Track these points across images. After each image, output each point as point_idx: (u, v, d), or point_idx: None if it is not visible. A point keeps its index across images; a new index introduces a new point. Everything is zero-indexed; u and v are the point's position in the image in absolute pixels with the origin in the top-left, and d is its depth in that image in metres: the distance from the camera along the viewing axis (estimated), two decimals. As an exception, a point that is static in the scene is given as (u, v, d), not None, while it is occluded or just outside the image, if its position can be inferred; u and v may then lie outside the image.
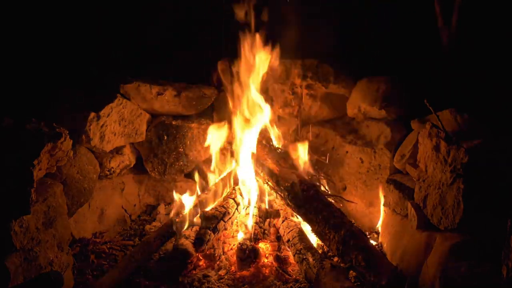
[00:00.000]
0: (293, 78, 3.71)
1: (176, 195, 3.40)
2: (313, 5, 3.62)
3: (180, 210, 3.29)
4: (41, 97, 2.95)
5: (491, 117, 2.52)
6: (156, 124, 3.63)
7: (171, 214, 3.30)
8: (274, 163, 3.23)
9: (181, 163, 3.69)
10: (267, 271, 2.85)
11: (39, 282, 2.16)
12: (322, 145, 3.75)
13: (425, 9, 3.26)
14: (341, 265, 2.50)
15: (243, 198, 3.27)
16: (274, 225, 3.23)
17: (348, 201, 3.34)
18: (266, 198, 3.37)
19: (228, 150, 3.69)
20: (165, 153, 3.64)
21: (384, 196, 3.18)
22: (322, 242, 2.87)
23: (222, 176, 3.53)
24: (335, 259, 2.82)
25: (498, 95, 2.65)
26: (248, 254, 2.83)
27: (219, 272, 2.84)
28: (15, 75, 3.04)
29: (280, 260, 2.93)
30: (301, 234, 2.96)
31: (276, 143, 3.53)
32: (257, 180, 3.33)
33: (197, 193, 3.43)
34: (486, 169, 2.27)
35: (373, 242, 2.94)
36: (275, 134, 3.57)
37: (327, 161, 3.59)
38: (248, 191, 3.30)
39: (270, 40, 3.42)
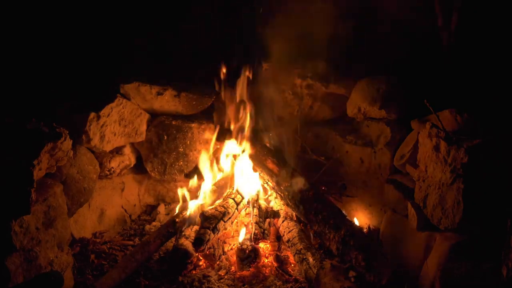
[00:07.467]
0: (293, 78, 3.70)
1: (181, 190, 3.37)
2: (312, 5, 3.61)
3: (180, 209, 3.29)
4: (41, 97, 2.94)
5: (491, 116, 2.52)
6: (156, 124, 3.63)
7: (171, 214, 3.29)
8: (274, 163, 3.23)
9: (181, 163, 3.69)
10: (267, 271, 2.85)
11: (39, 282, 2.16)
12: (322, 145, 3.75)
13: (425, 8, 3.26)
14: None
15: (243, 198, 3.27)
16: (274, 225, 3.23)
17: (348, 196, 3.34)
18: (266, 198, 3.37)
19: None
20: (165, 153, 3.64)
21: (384, 196, 3.18)
22: (322, 242, 2.87)
23: (222, 176, 3.53)
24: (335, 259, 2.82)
25: (498, 94, 2.65)
26: (248, 254, 2.83)
27: (219, 272, 2.84)
28: (15, 75, 3.04)
29: (280, 260, 2.93)
30: (301, 234, 2.96)
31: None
32: (257, 180, 3.33)
33: (197, 192, 3.43)
34: (486, 169, 2.27)
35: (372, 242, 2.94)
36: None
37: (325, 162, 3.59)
38: (248, 191, 3.29)
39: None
